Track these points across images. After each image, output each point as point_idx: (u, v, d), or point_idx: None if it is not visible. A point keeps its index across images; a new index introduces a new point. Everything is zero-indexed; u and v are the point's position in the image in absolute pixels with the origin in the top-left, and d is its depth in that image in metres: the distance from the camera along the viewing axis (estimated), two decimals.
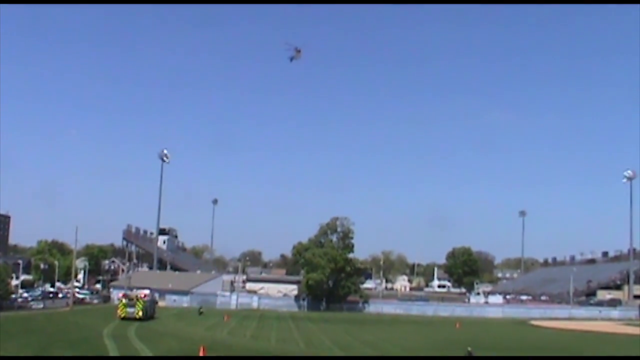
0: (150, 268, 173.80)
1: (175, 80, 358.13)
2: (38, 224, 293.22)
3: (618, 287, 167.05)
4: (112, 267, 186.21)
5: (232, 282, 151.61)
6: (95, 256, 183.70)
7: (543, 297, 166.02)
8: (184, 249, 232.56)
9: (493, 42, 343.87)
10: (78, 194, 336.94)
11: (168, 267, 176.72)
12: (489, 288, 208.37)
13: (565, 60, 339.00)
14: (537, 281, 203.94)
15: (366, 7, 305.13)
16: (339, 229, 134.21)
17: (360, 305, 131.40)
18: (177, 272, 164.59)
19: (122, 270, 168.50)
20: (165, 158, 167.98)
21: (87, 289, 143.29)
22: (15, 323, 64.66)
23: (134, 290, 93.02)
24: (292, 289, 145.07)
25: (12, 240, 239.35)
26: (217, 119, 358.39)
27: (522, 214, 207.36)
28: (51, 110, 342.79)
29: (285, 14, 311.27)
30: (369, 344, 63.16)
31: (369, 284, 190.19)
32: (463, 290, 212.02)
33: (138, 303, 79.58)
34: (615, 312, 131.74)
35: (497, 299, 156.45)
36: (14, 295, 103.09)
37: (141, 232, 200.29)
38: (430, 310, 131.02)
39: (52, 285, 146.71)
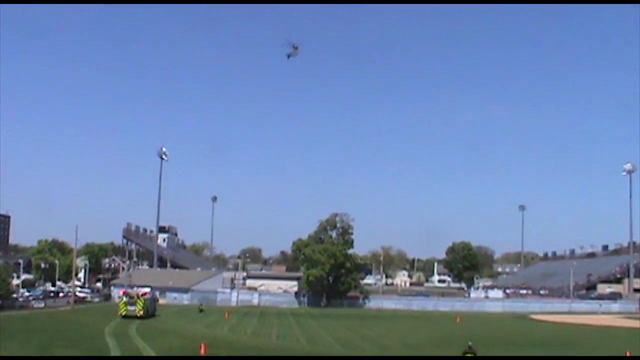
0: (151, 266, 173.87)
1: (174, 77, 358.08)
2: (38, 224, 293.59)
3: (618, 281, 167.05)
4: (113, 266, 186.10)
5: (232, 279, 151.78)
6: (96, 255, 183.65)
7: (542, 292, 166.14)
8: (184, 247, 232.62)
9: (491, 36, 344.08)
10: (78, 193, 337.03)
11: (168, 265, 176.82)
12: (489, 283, 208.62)
13: (564, 54, 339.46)
14: (537, 275, 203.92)
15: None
16: (338, 225, 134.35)
17: (361, 300, 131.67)
18: (177, 270, 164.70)
19: (123, 269, 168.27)
20: (164, 156, 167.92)
21: (88, 288, 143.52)
22: (16, 322, 64.86)
23: (135, 288, 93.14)
24: (293, 286, 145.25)
25: (13, 240, 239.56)
26: (215, 116, 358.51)
27: (522, 208, 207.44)
28: (50, 109, 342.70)
29: (283, 12, 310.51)
30: (369, 339, 63.29)
31: (369, 280, 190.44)
32: (463, 285, 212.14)
33: (139, 301, 79.75)
34: (615, 306, 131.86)
35: (497, 293, 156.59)
36: (15, 295, 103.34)
37: (141, 230, 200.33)
38: (430, 305, 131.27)
39: (53, 285, 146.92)
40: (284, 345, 55.60)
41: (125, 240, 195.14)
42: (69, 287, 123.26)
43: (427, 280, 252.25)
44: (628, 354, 45.55)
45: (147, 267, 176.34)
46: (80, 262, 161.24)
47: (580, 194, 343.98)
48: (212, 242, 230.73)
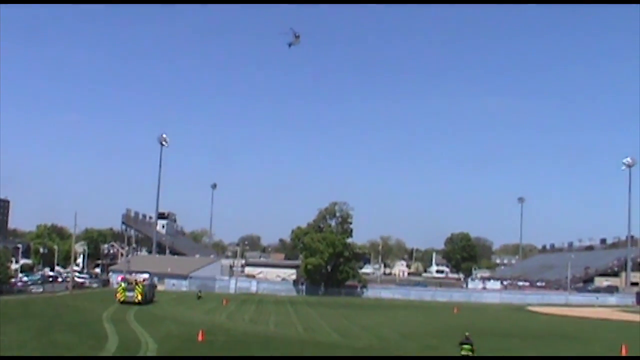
0: (149, 252, 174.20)
1: (174, 64, 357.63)
2: (37, 209, 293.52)
3: (615, 274, 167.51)
4: (111, 251, 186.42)
5: (230, 267, 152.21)
6: (95, 240, 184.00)
7: (539, 283, 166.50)
8: (183, 233, 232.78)
9: (489, 28, 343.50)
10: (77, 178, 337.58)
11: (167, 251, 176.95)
12: (486, 274, 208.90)
13: (564, 46, 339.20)
14: (534, 267, 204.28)
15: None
16: (337, 214, 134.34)
17: (359, 290, 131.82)
18: (176, 257, 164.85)
19: (121, 254, 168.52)
20: (164, 142, 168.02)
21: (87, 273, 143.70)
22: (15, 307, 65.01)
23: (133, 274, 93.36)
24: (291, 274, 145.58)
25: (12, 224, 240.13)
26: (216, 104, 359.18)
27: (521, 200, 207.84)
28: (51, 94, 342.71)
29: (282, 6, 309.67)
30: (367, 328, 63.43)
31: (367, 269, 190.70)
32: (461, 275, 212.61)
33: (137, 287, 79.93)
34: (612, 299, 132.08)
35: (495, 284, 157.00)
36: (13, 280, 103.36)
37: (140, 216, 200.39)
38: (428, 295, 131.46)
39: (52, 269, 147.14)
40: (282, 333, 55.76)
41: (124, 226, 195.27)
42: (68, 272, 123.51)
43: (425, 271, 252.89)
44: (624, 347, 45.69)
45: (145, 253, 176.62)
46: (79, 247, 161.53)
47: (580, 187, 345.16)
48: (211, 229, 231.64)
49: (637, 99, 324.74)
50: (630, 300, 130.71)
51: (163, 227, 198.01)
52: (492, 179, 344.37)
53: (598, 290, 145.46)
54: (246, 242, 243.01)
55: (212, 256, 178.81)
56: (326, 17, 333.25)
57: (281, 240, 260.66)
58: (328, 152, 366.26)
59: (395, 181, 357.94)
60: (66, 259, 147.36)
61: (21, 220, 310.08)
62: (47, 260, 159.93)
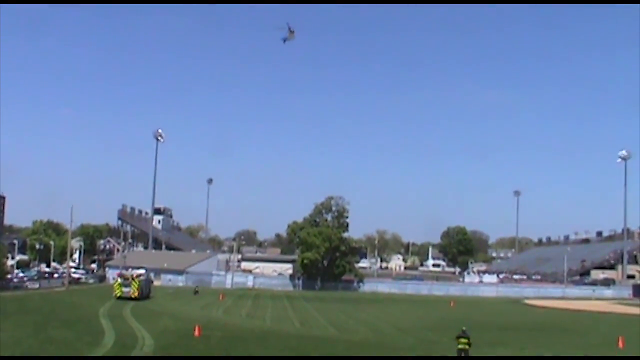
0: (146, 248, 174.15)
1: (170, 59, 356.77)
2: (33, 204, 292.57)
3: (612, 267, 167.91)
4: (108, 247, 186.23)
5: (227, 262, 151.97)
6: (91, 236, 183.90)
7: (534, 277, 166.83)
8: (179, 229, 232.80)
9: (486, 22, 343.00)
10: (73, 173, 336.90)
11: (163, 246, 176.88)
12: (483, 267, 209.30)
13: (560, 40, 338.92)
14: (531, 260, 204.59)
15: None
16: (333, 208, 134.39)
17: (355, 284, 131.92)
18: (172, 252, 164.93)
19: (118, 250, 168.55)
20: (160, 137, 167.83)
21: (83, 269, 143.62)
22: (11, 303, 64.86)
23: (130, 269, 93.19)
24: (287, 268, 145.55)
25: (7, 220, 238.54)
26: (212, 99, 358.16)
27: (517, 193, 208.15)
28: (46, 89, 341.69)
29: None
30: (363, 322, 63.50)
31: (363, 263, 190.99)
32: (457, 269, 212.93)
33: (133, 282, 79.77)
34: (608, 292, 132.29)
35: (492, 278, 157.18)
36: (9, 275, 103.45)
37: (136, 211, 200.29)
38: (424, 289, 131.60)
39: (48, 265, 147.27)
40: (278, 327, 55.74)
41: (120, 222, 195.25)
42: (64, 268, 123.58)
43: (421, 265, 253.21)
44: (620, 340, 45.75)
45: (142, 249, 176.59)
46: (75, 243, 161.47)
47: (576, 180, 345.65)
48: (207, 224, 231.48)
49: (632, 92, 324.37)
50: (627, 292, 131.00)
51: (159, 222, 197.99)
52: (488, 172, 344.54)
53: (594, 283, 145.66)
54: (242, 237, 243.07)
55: (208, 251, 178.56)
56: (322, 10, 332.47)
57: (277, 235, 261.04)
58: (324, 147, 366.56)
59: (391, 175, 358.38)
60: (62, 255, 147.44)
61: (17, 216, 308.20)
62: (43, 256, 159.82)
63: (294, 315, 69.55)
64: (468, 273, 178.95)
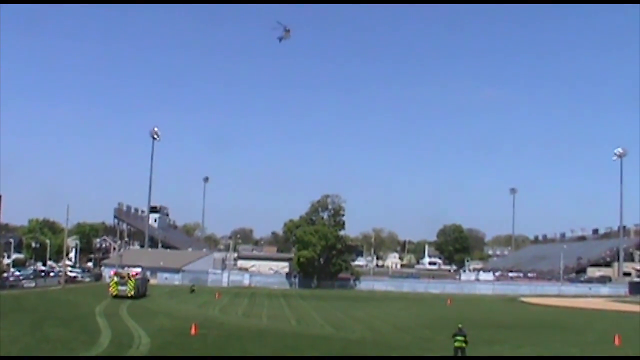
0: (142, 246, 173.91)
1: (166, 57, 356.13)
2: (29, 203, 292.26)
3: (608, 264, 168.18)
4: (104, 246, 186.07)
5: (223, 260, 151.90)
6: (87, 234, 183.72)
7: (530, 274, 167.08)
8: (175, 227, 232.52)
9: (483, 19, 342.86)
10: (69, 172, 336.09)
11: (159, 245, 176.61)
12: (479, 265, 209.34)
13: (557, 37, 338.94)
14: (527, 258, 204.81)
15: None
16: (330, 207, 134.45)
17: (352, 282, 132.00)
18: (168, 250, 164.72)
19: (114, 249, 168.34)
20: (156, 136, 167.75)
21: (79, 268, 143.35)
22: (7, 302, 64.67)
23: (126, 268, 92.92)
24: (284, 267, 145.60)
25: (3, 219, 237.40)
26: (208, 97, 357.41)
27: (513, 191, 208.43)
28: (41, 87, 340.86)
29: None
30: (360, 320, 63.53)
31: (360, 262, 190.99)
32: (454, 267, 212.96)
33: (130, 281, 79.71)
34: (604, 289, 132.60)
35: (488, 276, 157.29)
36: (5, 274, 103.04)
37: (132, 210, 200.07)
38: (421, 287, 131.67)
39: (44, 264, 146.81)
40: (275, 326, 55.72)
41: (116, 220, 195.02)
42: (60, 266, 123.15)
43: (418, 263, 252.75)
44: (617, 337, 45.81)
45: (138, 247, 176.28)
46: (71, 241, 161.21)
47: (572, 178, 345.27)
48: (203, 223, 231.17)
49: (628, 90, 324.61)
50: (623, 290, 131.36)
51: (155, 220, 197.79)
52: (484, 170, 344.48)
53: (591, 280, 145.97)
54: (238, 236, 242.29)
55: (204, 250, 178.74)
56: (318, 7, 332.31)
57: (274, 233, 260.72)
58: (320, 145, 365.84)
59: (387, 173, 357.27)
60: (58, 254, 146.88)
61: (13, 214, 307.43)
62: (39, 255, 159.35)
63: (291, 314, 69.57)
64: (464, 271, 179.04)
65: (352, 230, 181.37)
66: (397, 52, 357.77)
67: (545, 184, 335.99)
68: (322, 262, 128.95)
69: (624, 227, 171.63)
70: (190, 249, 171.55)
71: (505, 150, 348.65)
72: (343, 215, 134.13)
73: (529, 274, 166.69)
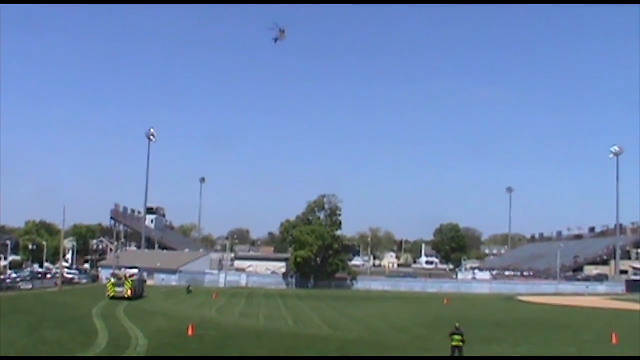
0: (138, 247, 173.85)
1: (162, 57, 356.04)
2: (26, 205, 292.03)
3: (604, 262, 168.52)
4: (100, 247, 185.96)
5: (220, 260, 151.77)
6: (83, 236, 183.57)
7: (525, 273, 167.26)
8: (172, 228, 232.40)
9: (477, 18, 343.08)
10: (65, 173, 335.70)
11: (156, 246, 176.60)
12: (476, 264, 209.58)
13: (551, 35, 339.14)
14: (524, 257, 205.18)
15: None
16: (326, 206, 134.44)
17: (348, 282, 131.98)
18: (165, 251, 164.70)
19: (110, 250, 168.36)
20: (152, 137, 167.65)
21: (76, 269, 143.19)
22: (4, 303, 64.62)
23: (122, 269, 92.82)
24: (280, 267, 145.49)
25: (0, 221, 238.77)
26: (204, 98, 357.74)
27: (509, 190, 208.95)
28: (37, 88, 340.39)
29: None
30: (357, 320, 63.47)
31: (356, 261, 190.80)
32: (450, 266, 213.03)
33: (126, 282, 79.69)
34: (601, 287, 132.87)
35: (485, 274, 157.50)
36: (2, 276, 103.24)
37: (129, 211, 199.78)
38: (418, 286, 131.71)
39: (41, 266, 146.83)
40: (272, 326, 55.69)
41: (112, 221, 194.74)
42: (57, 268, 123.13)
43: (414, 262, 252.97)
44: (614, 335, 45.87)
45: (134, 248, 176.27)
46: (68, 243, 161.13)
47: (568, 176, 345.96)
48: (199, 223, 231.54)
49: (624, 88, 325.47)
50: (620, 288, 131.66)
51: (152, 221, 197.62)
52: (480, 169, 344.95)
53: (587, 278, 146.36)
54: (235, 236, 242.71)
55: (201, 250, 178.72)
56: (314, 5, 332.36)
57: (270, 234, 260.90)
58: (316, 145, 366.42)
59: (383, 172, 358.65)
60: (55, 255, 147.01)
61: (9, 216, 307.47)
62: (36, 257, 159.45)
63: (287, 314, 69.51)
64: (461, 270, 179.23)
65: (349, 229, 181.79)
66: (394, 52, 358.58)
67: (542, 183, 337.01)
68: (318, 262, 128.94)
69: (621, 225, 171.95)
70: (186, 250, 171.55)
71: (502, 148, 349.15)
72: (339, 214, 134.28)
73: (526, 273, 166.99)
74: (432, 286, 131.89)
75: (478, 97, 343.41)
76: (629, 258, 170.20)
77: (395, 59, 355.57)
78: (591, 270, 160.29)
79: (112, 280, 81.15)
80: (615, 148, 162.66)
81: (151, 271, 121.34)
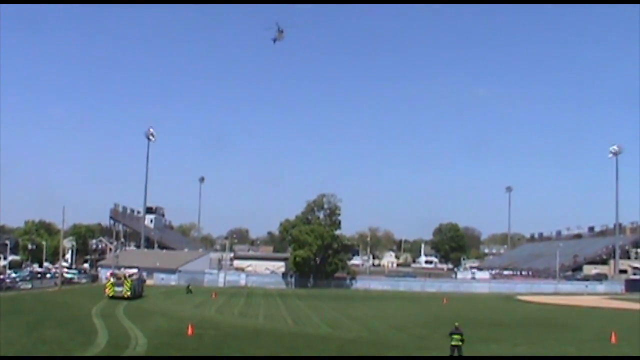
0: (138, 247, 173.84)
1: (161, 58, 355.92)
2: (25, 204, 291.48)
3: (604, 262, 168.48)
4: (100, 247, 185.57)
5: (219, 260, 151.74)
6: (83, 236, 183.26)
7: (525, 272, 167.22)
8: (171, 228, 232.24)
9: (476, 19, 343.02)
10: (65, 173, 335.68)
11: (155, 245, 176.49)
12: (475, 264, 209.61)
13: (550, 36, 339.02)
14: (523, 256, 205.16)
15: None
16: (325, 206, 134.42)
17: (348, 281, 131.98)
18: (164, 251, 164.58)
19: (110, 250, 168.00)
20: (151, 136, 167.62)
21: (75, 269, 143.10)
22: (3, 303, 64.65)
23: (122, 269, 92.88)
24: (280, 266, 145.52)
25: None
26: (204, 98, 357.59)
27: (509, 189, 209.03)
28: (36, 88, 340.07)
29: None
30: (356, 320, 63.49)
31: (356, 261, 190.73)
32: (450, 266, 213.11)
33: (126, 282, 79.73)
34: (601, 287, 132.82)
35: (484, 274, 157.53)
36: (2, 276, 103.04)
37: (128, 211, 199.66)
38: (417, 286, 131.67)
39: (40, 266, 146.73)
40: (271, 325, 55.72)
41: (112, 221, 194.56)
42: (56, 268, 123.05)
43: (414, 261, 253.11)
44: (613, 335, 45.89)
45: (134, 248, 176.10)
46: (68, 243, 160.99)
47: (567, 176, 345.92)
48: (199, 223, 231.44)
49: (623, 88, 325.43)
50: (619, 287, 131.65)
51: (151, 221, 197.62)
52: (480, 168, 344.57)
53: (587, 278, 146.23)
54: (235, 236, 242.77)
55: (200, 250, 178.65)
56: (313, 5, 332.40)
57: (270, 233, 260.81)
58: (316, 144, 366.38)
59: (383, 172, 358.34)
60: (54, 255, 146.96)
61: (9, 216, 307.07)
62: (36, 257, 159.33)
63: (287, 314, 69.52)
64: (460, 269, 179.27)
65: (348, 229, 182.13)
66: (392, 51, 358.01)
67: (541, 182, 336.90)
68: (318, 262, 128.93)
69: (620, 224, 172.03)
70: (186, 250, 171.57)
71: (501, 148, 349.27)
72: (339, 214, 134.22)
73: (525, 272, 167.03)
74: (431, 286, 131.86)
75: (478, 96, 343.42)
76: (629, 258, 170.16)
77: (395, 59, 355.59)
78: (590, 270, 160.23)
79: (112, 280, 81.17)
80: (615, 148, 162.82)
81: (151, 271, 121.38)
